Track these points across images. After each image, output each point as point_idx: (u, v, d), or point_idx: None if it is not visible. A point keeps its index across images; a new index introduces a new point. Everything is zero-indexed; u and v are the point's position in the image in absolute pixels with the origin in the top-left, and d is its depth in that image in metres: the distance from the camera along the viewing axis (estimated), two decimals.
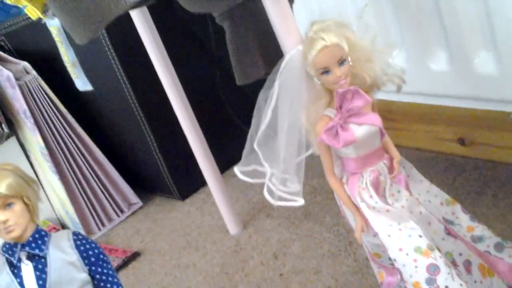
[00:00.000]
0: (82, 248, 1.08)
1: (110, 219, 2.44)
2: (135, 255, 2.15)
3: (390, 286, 1.38)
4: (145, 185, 2.55)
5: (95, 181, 2.40)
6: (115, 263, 2.11)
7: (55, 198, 2.40)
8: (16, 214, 1.02)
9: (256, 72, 1.34)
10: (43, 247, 1.06)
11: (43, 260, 1.06)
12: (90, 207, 2.39)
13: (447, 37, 1.43)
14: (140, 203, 2.49)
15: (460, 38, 1.41)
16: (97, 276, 1.09)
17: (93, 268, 1.09)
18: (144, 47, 1.82)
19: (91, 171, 2.38)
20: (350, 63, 1.16)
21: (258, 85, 1.24)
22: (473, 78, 1.43)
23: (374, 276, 1.42)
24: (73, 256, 1.07)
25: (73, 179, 2.34)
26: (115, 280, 1.12)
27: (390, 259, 1.22)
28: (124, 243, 2.27)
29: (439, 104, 1.62)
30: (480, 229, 1.30)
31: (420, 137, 1.99)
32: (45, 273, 1.05)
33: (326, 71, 1.15)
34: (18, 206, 1.03)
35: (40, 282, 1.05)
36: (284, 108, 1.19)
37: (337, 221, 1.85)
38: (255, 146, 1.21)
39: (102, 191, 2.41)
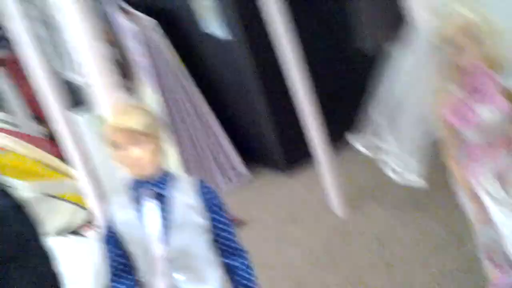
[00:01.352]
0: (205, 195, 1.11)
1: (218, 187, 2.45)
2: (240, 224, 2.14)
3: (502, 286, 1.30)
4: (255, 157, 2.54)
5: (207, 148, 2.42)
6: None
7: (170, 161, 2.43)
8: (149, 153, 1.05)
9: (381, 39, 1.29)
10: (169, 188, 1.09)
11: (168, 201, 1.08)
12: (199, 173, 2.41)
13: None
14: (248, 175, 2.49)
15: None
16: (215, 224, 1.11)
17: (212, 215, 1.11)
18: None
19: (204, 138, 2.41)
20: (485, 44, 1.09)
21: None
22: None
23: (483, 276, 1.35)
24: (196, 201, 1.09)
25: (187, 143, 2.37)
26: (232, 230, 1.14)
27: (505, 255, 1.15)
28: (230, 211, 2.27)
29: None
30: None
31: None
32: (170, 213, 1.08)
33: (460, 48, 1.09)
34: (152, 145, 1.05)
35: (164, 221, 1.07)
36: (411, 81, 1.14)
37: (449, 216, 1.76)
38: (377, 116, 1.17)
39: (212, 159, 2.43)
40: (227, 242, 1.13)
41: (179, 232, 1.08)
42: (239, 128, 2.52)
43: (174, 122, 2.35)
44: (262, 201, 2.27)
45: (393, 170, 1.19)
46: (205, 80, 2.48)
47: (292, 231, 1.99)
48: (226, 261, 1.14)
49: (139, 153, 1.04)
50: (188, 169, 2.38)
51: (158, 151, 1.08)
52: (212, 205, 1.11)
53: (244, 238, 2.02)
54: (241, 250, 1.15)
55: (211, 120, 2.43)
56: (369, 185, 2.09)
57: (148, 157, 1.05)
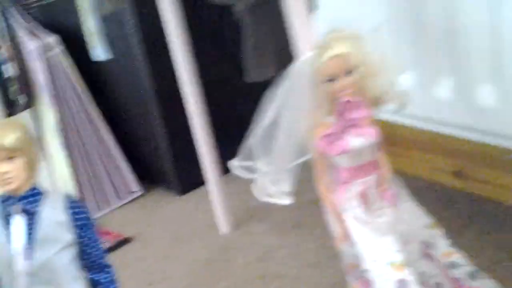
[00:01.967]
0: (72, 210, 1.13)
1: (108, 203, 2.49)
2: (126, 240, 2.20)
3: None
4: (147, 174, 2.60)
5: (100, 163, 2.45)
6: (106, 245, 2.15)
7: (58, 175, 2.45)
8: (17, 168, 1.07)
9: (266, 72, 1.39)
10: (36, 203, 1.11)
11: (34, 216, 1.10)
12: (91, 189, 2.44)
13: (455, 66, 1.48)
14: (140, 192, 2.53)
15: (467, 68, 1.46)
16: (83, 240, 1.14)
17: (80, 231, 1.13)
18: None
19: (97, 152, 2.44)
20: (357, 76, 1.21)
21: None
22: (475, 109, 1.48)
23: None
24: (63, 216, 1.11)
25: (79, 157, 2.39)
26: (99, 246, 1.17)
27: (365, 271, 1.26)
28: (118, 227, 2.31)
29: (441, 132, 1.66)
30: (457, 256, 1.35)
31: (419, 165, 2.02)
32: (36, 228, 1.09)
33: (332, 79, 1.19)
34: (19, 161, 1.07)
35: (30, 236, 1.09)
36: (288, 108, 1.24)
37: (326, 234, 1.87)
38: (253, 141, 1.26)
39: (105, 174, 2.47)
40: (93, 258, 1.16)
41: (43, 247, 1.10)
42: (135, 146, 2.57)
43: (69, 138, 2.37)
44: (151, 219, 2.32)
45: (263, 191, 1.27)
46: (104, 100, 2.52)
47: (177, 249, 2.06)
48: (91, 276, 1.17)
49: (7, 168, 1.06)
50: (80, 184, 2.41)
51: (28, 166, 1.09)
52: (80, 220, 1.13)
53: (129, 253, 2.09)
54: (106, 265, 1.18)
55: (107, 138, 2.47)
56: (255, 206, 2.18)
57: (16, 173, 1.07)
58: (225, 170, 2.17)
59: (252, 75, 1.40)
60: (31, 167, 1.11)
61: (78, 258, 1.16)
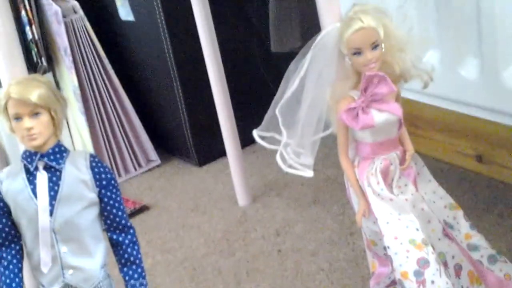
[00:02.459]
0: (96, 170, 1.13)
1: (127, 170, 2.50)
2: (143, 208, 2.20)
3: (381, 276, 1.41)
4: (166, 144, 2.60)
5: (119, 129, 2.45)
6: None
7: (79, 139, 2.46)
8: (41, 124, 1.06)
9: (292, 42, 1.37)
10: (60, 161, 1.11)
11: (58, 173, 1.10)
12: (110, 154, 2.45)
13: (482, 45, 1.45)
14: (159, 161, 2.54)
15: (494, 48, 1.44)
16: (105, 199, 1.14)
17: (102, 190, 1.13)
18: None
19: (117, 119, 2.44)
20: (383, 50, 1.19)
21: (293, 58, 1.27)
22: (501, 91, 1.45)
23: (367, 267, 1.45)
24: (87, 175, 1.12)
25: (99, 123, 2.40)
26: (121, 207, 1.17)
27: (384, 249, 1.25)
28: (136, 195, 2.32)
29: (465, 114, 1.64)
30: (477, 238, 1.33)
31: (440, 147, 2.01)
32: (58, 185, 1.10)
33: (358, 52, 1.18)
34: (44, 117, 1.07)
35: (52, 193, 1.09)
36: (312, 80, 1.23)
37: (343, 211, 1.88)
38: (277, 111, 1.25)
39: (124, 141, 2.47)
40: (115, 218, 1.16)
41: (66, 204, 1.11)
42: (155, 115, 2.57)
43: (89, 103, 2.37)
44: (170, 188, 2.32)
45: (282, 159, 1.26)
46: (124, 67, 2.52)
47: (194, 219, 2.06)
48: (112, 236, 1.18)
49: (31, 124, 1.06)
50: (99, 149, 2.42)
51: (53, 124, 1.10)
52: (103, 180, 1.14)
53: (147, 221, 2.10)
54: (128, 226, 1.19)
55: (127, 104, 2.46)
56: (274, 180, 2.19)
57: (40, 129, 1.07)
58: (245, 143, 2.18)
59: (277, 45, 1.38)
60: (56, 124, 1.11)
61: (101, 218, 1.17)
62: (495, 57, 1.45)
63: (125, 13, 2.16)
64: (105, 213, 1.16)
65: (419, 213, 1.28)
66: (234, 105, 2.01)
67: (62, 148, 1.13)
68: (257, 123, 1.30)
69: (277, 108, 1.25)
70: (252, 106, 2.31)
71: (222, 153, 2.14)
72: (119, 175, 2.47)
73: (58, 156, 1.12)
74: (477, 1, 1.41)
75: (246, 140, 2.09)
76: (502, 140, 1.78)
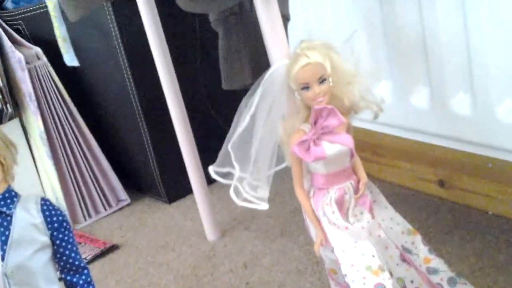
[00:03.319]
0: (47, 212, 1.14)
1: (97, 211, 2.50)
2: (113, 248, 2.21)
3: None
4: (135, 184, 2.61)
5: (88, 172, 2.46)
6: (93, 252, 2.18)
7: (47, 184, 2.47)
8: None
9: (242, 80, 1.41)
10: (11, 206, 1.12)
11: (9, 218, 1.12)
12: (80, 197, 2.45)
13: (430, 74, 1.50)
14: (128, 200, 2.55)
15: (441, 76, 1.48)
16: (57, 242, 1.15)
17: (54, 233, 1.15)
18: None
19: (85, 161, 2.45)
20: (331, 83, 1.23)
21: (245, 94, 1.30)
22: (451, 118, 1.50)
23: None
24: (38, 218, 1.13)
25: (67, 166, 2.41)
26: (74, 248, 1.18)
27: (343, 276, 1.27)
28: (106, 235, 2.32)
29: (423, 141, 1.68)
30: (436, 262, 1.36)
31: (402, 174, 2.04)
32: (9, 230, 1.11)
33: (306, 87, 1.22)
34: None
35: (3, 238, 1.11)
36: (262, 116, 1.27)
37: (310, 241, 1.89)
38: (229, 147, 1.28)
39: (93, 183, 2.48)
40: (68, 259, 1.17)
41: (17, 248, 1.12)
42: (122, 156, 2.59)
43: (56, 147, 2.39)
44: (139, 227, 2.33)
45: (236, 193, 1.29)
46: (89, 109, 2.54)
47: (163, 256, 2.06)
48: (66, 277, 1.19)
49: None
50: (68, 192, 2.42)
51: (2, 170, 1.12)
52: (54, 222, 1.15)
53: (116, 260, 2.10)
54: (82, 267, 1.19)
55: (94, 146, 2.48)
56: (242, 213, 2.20)
57: None
58: (212, 179, 2.20)
59: (229, 82, 1.41)
60: (5, 170, 1.13)
61: (54, 260, 1.18)
62: (443, 85, 1.50)
63: (70, 59, 2.19)
64: (58, 255, 1.17)
65: (376, 240, 1.31)
66: (198, 142, 2.03)
67: (13, 193, 1.15)
68: None
69: (229, 144, 1.28)
70: (216, 142, 2.34)
71: (191, 189, 2.16)
72: (89, 216, 2.48)
73: (8, 201, 1.13)
74: (423, 30, 1.46)
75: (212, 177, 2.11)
76: (461, 165, 1.83)
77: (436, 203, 1.95)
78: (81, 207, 2.46)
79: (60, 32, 2.04)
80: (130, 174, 2.60)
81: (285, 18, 1.28)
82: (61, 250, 1.16)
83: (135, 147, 2.46)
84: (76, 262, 1.19)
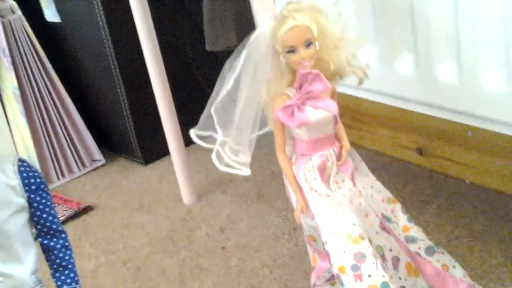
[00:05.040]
0: (24, 174, 1.11)
1: (70, 171, 2.47)
2: (87, 209, 2.18)
3: (321, 270, 1.42)
4: (111, 144, 2.57)
5: (61, 130, 2.42)
6: (67, 213, 2.14)
7: (20, 141, 2.41)
8: None
9: (226, 41, 1.37)
10: None
11: None
12: (53, 155, 2.41)
13: (416, 41, 1.48)
14: (103, 161, 2.51)
15: (428, 44, 1.46)
16: (35, 204, 1.12)
17: (32, 195, 1.11)
18: None
19: (59, 119, 2.41)
20: (317, 47, 1.20)
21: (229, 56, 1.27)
22: (435, 86, 1.48)
23: (310, 262, 1.46)
24: (15, 180, 1.10)
25: (40, 124, 2.36)
26: (52, 211, 1.15)
27: (323, 244, 1.26)
28: (80, 196, 2.29)
29: (404, 108, 1.67)
30: (415, 231, 1.35)
31: (382, 141, 2.04)
32: None
33: (292, 50, 1.19)
34: None
35: None
36: (247, 78, 1.23)
37: (287, 207, 1.89)
38: (212, 110, 1.25)
39: (67, 142, 2.44)
40: (45, 223, 1.15)
41: None
42: (97, 116, 2.54)
43: (30, 104, 2.33)
44: (114, 188, 2.30)
45: (218, 158, 1.26)
46: (65, 67, 2.48)
47: (139, 218, 2.04)
48: (43, 241, 1.16)
49: None
50: (41, 150, 2.38)
51: None
52: (32, 185, 1.12)
53: (91, 222, 2.08)
54: (59, 231, 1.17)
55: (69, 104, 2.42)
56: (219, 176, 2.18)
57: None
58: (190, 141, 2.17)
59: (212, 44, 1.38)
60: None
61: (31, 223, 1.15)
62: (429, 53, 1.48)
63: (51, 14, 2.13)
64: (35, 218, 1.14)
65: (357, 208, 1.30)
66: (177, 103, 2.00)
67: None
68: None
69: (212, 107, 1.25)
70: (196, 103, 2.30)
71: (167, 151, 2.13)
72: (63, 175, 2.44)
73: None
74: None
75: (190, 138, 2.08)
76: (441, 133, 1.82)
77: (414, 170, 1.95)
78: (54, 166, 2.42)
79: None
80: (105, 134, 2.56)
81: None
82: (38, 213, 1.13)
83: (111, 106, 2.42)
84: (54, 226, 1.16)
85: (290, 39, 1.18)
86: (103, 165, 2.51)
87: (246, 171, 1.28)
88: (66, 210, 2.17)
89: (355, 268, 1.20)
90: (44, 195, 1.13)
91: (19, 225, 1.12)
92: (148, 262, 1.79)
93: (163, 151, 2.32)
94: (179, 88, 2.13)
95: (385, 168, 1.99)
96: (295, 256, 1.67)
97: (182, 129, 2.00)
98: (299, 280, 1.58)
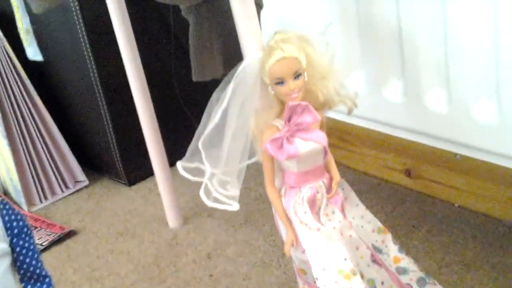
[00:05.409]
0: (7, 218, 1.06)
1: (53, 193, 2.42)
2: (71, 233, 2.13)
3: None
4: (94, 164, 2.53)
5: (44, 152, 2.37)
6: (50, 237, 2.10)
7: (1, 164, 2.37)
8: None
9: (213, 71, 1.35)
10: None
11: None
12: (35, 178, 2.36)
13: (405, 69, 1.46)
14: (87, 182, 2.47)
15: (416, 72, 1.45)
16: (17, 249, 1.08)
17: (14, 239, 1.07)
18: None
19: (41, 141, 2.36)
20: (306, 78, 1.18)
21: (216, 85, 1.24)
22: (424, 113, 1.47)
23: None
24: None
25: (22, 146, 2.31)
26: (35, 255, 1.11)
27: (314, 278, 1.24)
28: (63, 219, 2.25)
29: (391, 134, 1.65)
30: (406, 262, 1.33)
31: (369, 162, 2.02)
32: None
33: (280, 82, 1.16)
34: None
35: None
36: (234, 111, 1.21)
37: (275, 231, 1.85)
38: (199, 144, 1.22)
39: (49, 163, 2.39)
40: (29, 268, 1.10)
41: None
42: (80, 136, 2.49)
43: (11, 126, 2.29)
44: (98, 211, 2.25)
45: (207, 193, 1.24)
46: (47, 87, 2.44)
47: (124, 244, 2.00)
48: (27, 286, 1.12)
49: None
50: (23, 173, 2.33)
51: None
52: (14, 228, 1.08)
53: (74, 247, 2.03)
54: (43, 275, 1.12)
55: (51, 125, 2.38)
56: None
57: None
58: (174, 161, 2.13)
59: (199, 74, 1.35)
60: None
61: (14, 268, 1.10)
62: (417, 80, 1.47)
63: (33, 53, 2.09)
64: (18, 263, 1.10)
65: (347, 241, 1.27)
66: (162, 123, 1.96)
67: None
68: (186, 141, 1.27)
69: (200, 141, 1.22)
70: (181, 124, 2.28)
71: (151, 172, 2.09)
72: (45, 197, 2.39)
73: None
74: (399, 24, 1.41)
75: (175, 158, 2.05)
76: (429, 155, 1.81)
77: (402, 193, 1.93)
78: (36, 188, 2.37)
79: (22, 24, 1.92)
80: (88, 154, 2.51)
81: (258, 6, 1.21)
82: (21, 258, 1.09)
83: (94, 126, 2.38)
84: (38, 271, 1.12)
85: (279, 71, 1.15)
86: (86, 186, 2.47)
87: (235, 206, 1.26)
88: (49, 235, 2.12)
89: None
90: (27, 238, 1.09)
91: (1, 270, 1.07)
92: None
93: (148, 172, 2.28)
94: (164, 108, 2.09)
95: (373, 190, 1.97)
96: (284, 284, 1.65)
97: (166, 149, 1.97)
98: None
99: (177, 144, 2.14)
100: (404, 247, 1.35)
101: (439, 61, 1.38)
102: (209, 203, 1.25)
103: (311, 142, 1.21)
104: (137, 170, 2.38)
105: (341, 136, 2.06)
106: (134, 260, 1.90)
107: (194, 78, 1.38)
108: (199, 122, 1.24)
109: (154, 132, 1.94)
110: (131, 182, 2.39)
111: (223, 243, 1.89)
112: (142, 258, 1.90)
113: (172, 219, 2.04)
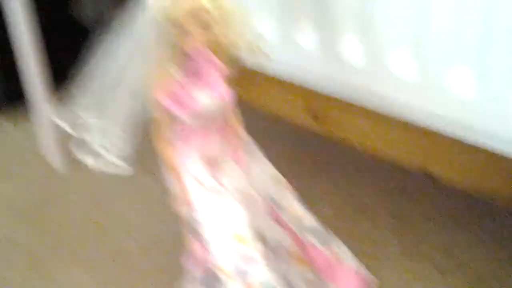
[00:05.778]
0: None
1: None
2: None
3: (199, 258, 1.31)
4: None
5: None
6: None
7: None
8: None
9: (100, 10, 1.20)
10: None
11: None
12: None
13: (320, 15, 1.40)
14: None
15: (331, 19, 1.38)
16: None
17: None
18: None
19: None
20: (212, 30, 1.06)
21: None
22: (336, 61, 1.42)
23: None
24: None
25: None
26: None
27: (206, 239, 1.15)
28: None
29: (301, 79, 1.58)
30: (308, 220, 1.28)
31: (278, 104, 1.92)
32: None
33: (185, 32, 1.04)
34: None
35: None
36: (131, 61, 1.10)
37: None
38: (89, 94, 1.09)
39: None
40: None
41: None
42: None
43: None
44: None
45: (93, 154, 1.12)
46: None
47: (2, 187, 1.84)
48: None
49: None
50: None
51: None
52: None
53: None
54: None
55: None
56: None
57: None
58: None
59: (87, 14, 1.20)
60: None
61: None
62: (332, 28, 1.39)
63: None
64: None
65: (247, 199, 1.19)
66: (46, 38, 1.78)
67: None
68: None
69: (89, 89, 1.09)
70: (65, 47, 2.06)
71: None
72: None
73: None
74: None
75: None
76: (337, 100, 1.73)
77: (309, 136, 1.86)
78: None
79: None
80: None
81: None
82: None
83: None
84: None
85: (185, 21, 1.04)
86: None
87: (125, 168, 1.15)
88: None
89: (239, 270, 1.10)
90: None
91: None
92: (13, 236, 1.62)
93: (27, 106, 2.09)
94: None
95: (279, 132, 1.90)
96: (177, 233, 1.56)
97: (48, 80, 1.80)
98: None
99: (60, 75, 1.95)
100: (305, 195, 1.29)
101: (355, 9, 1.31)
102: (92, 164, 1.13)
103: (214, 97, 1.11)
104: (16, 101, 2.16)
105: (250, 75, 1.95)
106: (13, 205, 1.75)
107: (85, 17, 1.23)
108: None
109: (36, 62, 1.74)
110: (9, 114, 2.18)
111: (110, 186, 1.76)
112: (23, 202, 1.76)
113: (55, 159, 1.87)
